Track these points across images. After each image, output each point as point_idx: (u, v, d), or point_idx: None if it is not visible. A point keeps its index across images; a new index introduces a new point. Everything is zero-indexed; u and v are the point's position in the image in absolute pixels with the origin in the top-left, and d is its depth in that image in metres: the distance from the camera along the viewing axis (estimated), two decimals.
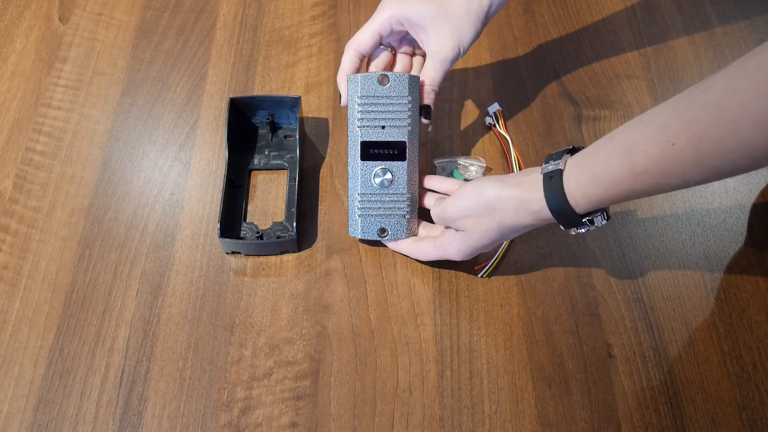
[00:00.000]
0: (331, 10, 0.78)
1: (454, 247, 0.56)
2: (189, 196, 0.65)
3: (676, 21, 0.77)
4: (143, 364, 0.56)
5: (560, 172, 0.47)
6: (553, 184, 0.47)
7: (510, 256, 0.62)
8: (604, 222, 0.49)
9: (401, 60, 0.62)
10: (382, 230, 0.60)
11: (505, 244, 0.62)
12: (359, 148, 0.58)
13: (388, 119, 0.58)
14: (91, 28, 0.77)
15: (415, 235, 0.61)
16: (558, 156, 0.49)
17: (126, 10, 0.78)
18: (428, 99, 0.58)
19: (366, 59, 0.61)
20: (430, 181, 0.62)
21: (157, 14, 0.78)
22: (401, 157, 0.58)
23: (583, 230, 0.49)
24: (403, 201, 0.59)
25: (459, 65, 0.74)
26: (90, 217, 0.64)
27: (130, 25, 0.77)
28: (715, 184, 0.66)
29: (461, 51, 0.58)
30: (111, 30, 0.77)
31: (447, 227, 0.58)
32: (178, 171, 0.67)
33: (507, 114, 0.71)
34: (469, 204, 0.53)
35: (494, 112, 0.69)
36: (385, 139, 0.58)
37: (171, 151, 0.68)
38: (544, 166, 0.49)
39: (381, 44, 0.60)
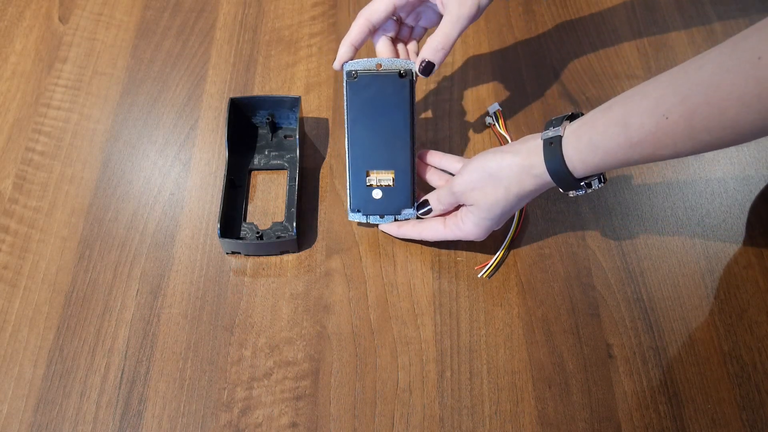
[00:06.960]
0: (331, 10, 0.78)
1: (468, 223, 0.57)
2: (189, 196, 0.65)
3: (676, 21, 0.77)
4: (143, 364, 0.56)
5: (559, 138, 0.50)
6: (553, 150, 0.50)
7: (510, 256, 0.62)
8: (601, 185, 0.52)
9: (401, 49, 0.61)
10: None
11: (505, 243, 0.62)
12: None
13: None
14: (91, 28, 0.77)
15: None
16: (558, 122, 0.51)
17: (126, 10, 0.78)
18: (435, 57, 0.56)
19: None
20: (432, 158, 0.62)
21: (157, 14, 0.78)
22: None
23: (581, 192, 0.52)
24: None
25: (459, 65, 0.74)
26: (90, 217, 0.64)
27: (130, 25, 0.77)
28: (715, 184, 0.66)
29: (480, 8, 0.56)
30: (111, 30, 0.77)
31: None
32: (178, 171, 0.67)
33: (507, 114, 0.71)
34: (475, 177, 0.54)
35: (494, 112, 0.69)
36: None
37: (171, 151, 0.68)
38: (544, 132, 0.51)
39: (393, 16, 0.59)
